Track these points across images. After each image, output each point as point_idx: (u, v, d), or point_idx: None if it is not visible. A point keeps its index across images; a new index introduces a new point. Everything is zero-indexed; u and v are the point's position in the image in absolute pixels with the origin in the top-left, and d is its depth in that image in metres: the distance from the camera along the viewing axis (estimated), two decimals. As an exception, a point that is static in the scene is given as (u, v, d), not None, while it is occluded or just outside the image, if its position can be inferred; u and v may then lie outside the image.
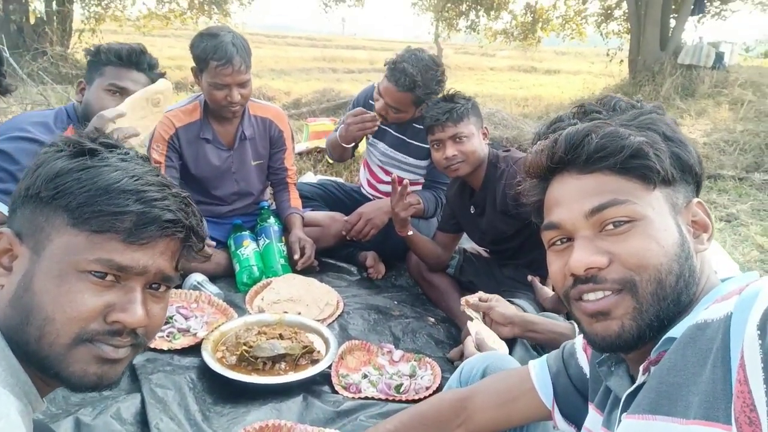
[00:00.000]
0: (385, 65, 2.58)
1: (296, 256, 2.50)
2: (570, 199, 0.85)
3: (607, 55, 10.78)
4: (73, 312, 0.77)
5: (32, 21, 10.46)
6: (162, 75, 2.08)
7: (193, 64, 2.41)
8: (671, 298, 0.78)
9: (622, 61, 10.14)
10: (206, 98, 2.44)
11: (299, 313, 2.22)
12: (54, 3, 10.54)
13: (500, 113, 6.42)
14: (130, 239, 0.79)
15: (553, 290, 2.18)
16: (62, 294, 0.77)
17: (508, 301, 2.11)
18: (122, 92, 1.97)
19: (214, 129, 2.54)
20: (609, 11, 11.98)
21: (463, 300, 1.89)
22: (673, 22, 9.43)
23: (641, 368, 0.79)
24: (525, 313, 1.91)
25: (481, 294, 1.92)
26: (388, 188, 2.91)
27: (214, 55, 2.29)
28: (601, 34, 12.00)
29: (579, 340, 1.14)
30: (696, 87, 8.14)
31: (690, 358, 0.70)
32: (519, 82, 13.65)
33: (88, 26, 11.65)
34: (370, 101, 2.92)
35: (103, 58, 1.98)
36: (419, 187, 2.92)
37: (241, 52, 2.33)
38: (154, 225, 0.80)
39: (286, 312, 2.21)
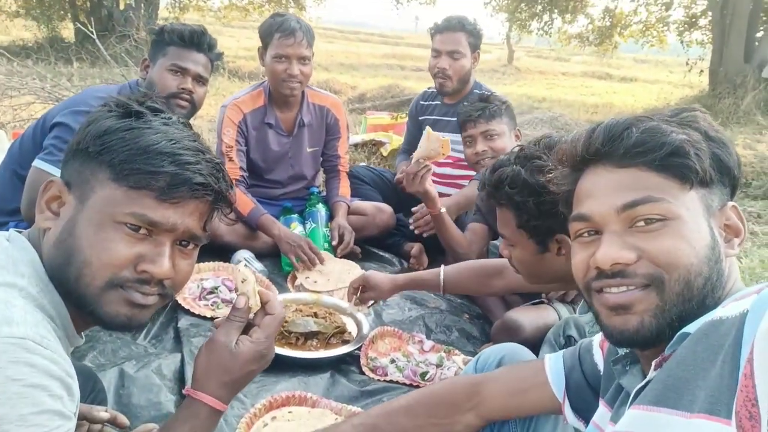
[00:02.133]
0: (429, 30, 2.95)
1: (335, 242, 2.58)
2: (603, 192, 0.84)
3: (687, 64, 10.31)
4: (107, 258, 0.85)
5: (122, 6, 11.12)
6: (220, 55, 2.25)
7: (260, 45, 2.57)
8: (696, 300, 0.78)
9: (702, 71, 9.66)
10: (268, 75, 2.58)
11: (315, 282, 2.36)
12: (143, -11, 11.15)
13: (563, 118, 6.29)
14: (162, 197, 0.86)
15: None
16: (99, 241, 0.84)
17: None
18: (183, 72, 2.12)
19: (277, 115, 2.67)
20: (693, 19, 11.43)
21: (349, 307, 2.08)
22: (760, 34, 8.91)
23: (653, 363, 0.79)
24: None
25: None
26: (444, 170, 3.04)
27: (279, 27, 2.47)
28: (682, 43, 11.46)
29: (597, 338, 1.14)
30: (779, 103, 7.67)
31: (700, 353, 0.70)
32: (591, 89, 13.23)
33: (173, 14, 12.28)
34: (421, 102, 3.07)
35: (166, 38, 2.12)
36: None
37: (304, 29, 2.49)
38: (185, 186, 0.87)
39: (307, 277, 2.38)
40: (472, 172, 2.99)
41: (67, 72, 6.85)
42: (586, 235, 0.87)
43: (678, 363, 0.72)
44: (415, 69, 14.20)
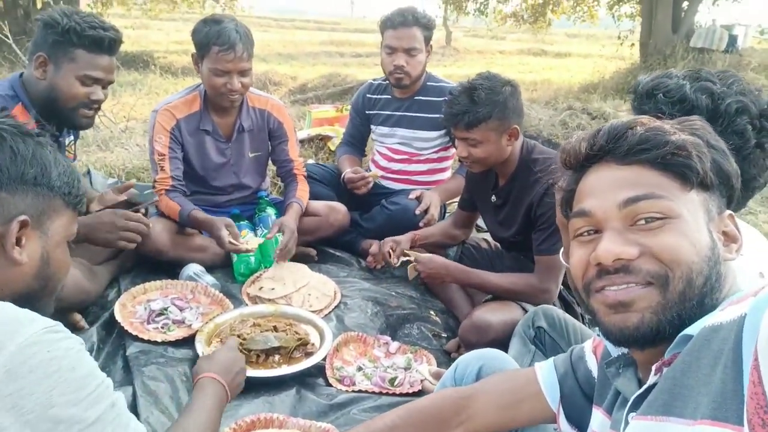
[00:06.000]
0: (379, 26, 2.80)
1: (269, 236, 2.41)
2: (605, 188, 0.84)
3: (619, 38, 10.60)
4: (65, 270, 1.06)
5: (39, 5, 10.40)
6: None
7: (194, 51, 2.39)
8: (696, 299, 0.77)
9: (633, 44, 9.95)
10: (205, 86, 2.42)
11: (272, 289, 2.25)
12: (60, -13, 10.47)
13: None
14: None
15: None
16: (67, 261, 1.05)
17: None
18: (96, 82, 1.94)
19: (214, 120, 2.51)
20: (621, -7, 11.72)
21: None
22: (686, 4, 9.23)
23: (653, 368, 0.78)
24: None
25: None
26: (399, 166, 2.98)
27: (217, 40, 2.27)
28: (613, 17, 11.77)
29: (588, 343, 1.13)
30: (708, 71, 7.98)
31: (704, 360, 0.69)
32: (528, 66, 13.47)
33: (96, 10, 11.60)
34: (368, 95, 2.96)
35: (75, 41, 1.87)
36: (447, 162, 2.99)
37: (244, 39, 2.31)
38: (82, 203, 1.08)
39: (262, 287, 2.25)
40: (426, 167, 2.96)
41: (-18, 79, 6.35)
42: (585, 234, 0.87)
43: (683, 371, 0.71)
44: (355, 55, 14.08)
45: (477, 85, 1.99)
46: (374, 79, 3.07)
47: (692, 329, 0.74)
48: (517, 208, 2.12)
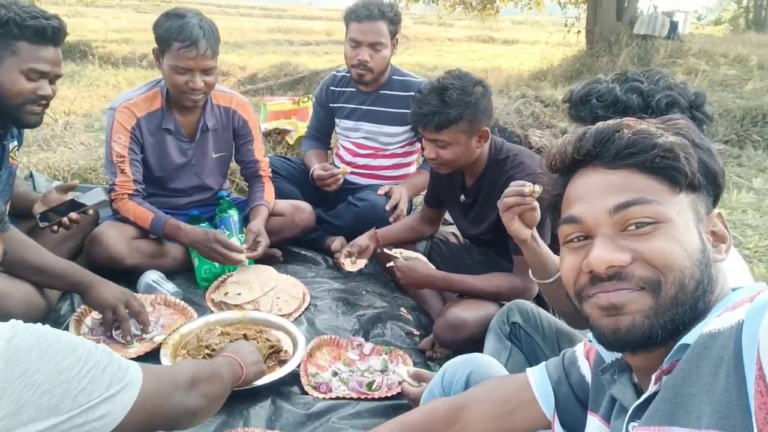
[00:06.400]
0: (343, 17, 2.72)
1: (245, 246, 2.32)
2: (594, 194, 0.83)
3: (565, 25, 10.79)
4: None
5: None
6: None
7: (155, 46, 2.25)
8: (689, 304, 0.77)
9: (579, 31, 10.13)
10: (167, 83, 2.29)
11: (239, 294, 2.17)
12: (-15, -28, 9.82)
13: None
14: None
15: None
16: None
17: None
18: (42, 76, 1.81)
19: (176, 119, 2.38)
20: (567, -20, 11.92)
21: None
22: (629, -8, 9.45)
23: (653, 377, 0.77)
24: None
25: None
26: (364, 161, 2.92)
27: (178, 35, 2.14)
28: (559, 4, 11.97)
29: (580, 348, 1.11)
30: (651, 57, 8.20)
31: (704, 368, 0.69)
32: (478, 53, 13.55)
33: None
34: (332, 87, 2.88)
35: (15, 32, 1.75)
36: (413, 156, 2.96)
37: (208, 36, 2.18)
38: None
39: (227, 293, 2.17)
40: (391, 162, 2.91)
41: None
42: (576, 240, 0.85)
43: (684, 379, 0.71)
44: (304, 43, 13.79)
45: (448, 85, 1.92)
46: (337, 71, 2.99)
47: (689, 338, 0.73)
48: (487, 208, 2.09)
